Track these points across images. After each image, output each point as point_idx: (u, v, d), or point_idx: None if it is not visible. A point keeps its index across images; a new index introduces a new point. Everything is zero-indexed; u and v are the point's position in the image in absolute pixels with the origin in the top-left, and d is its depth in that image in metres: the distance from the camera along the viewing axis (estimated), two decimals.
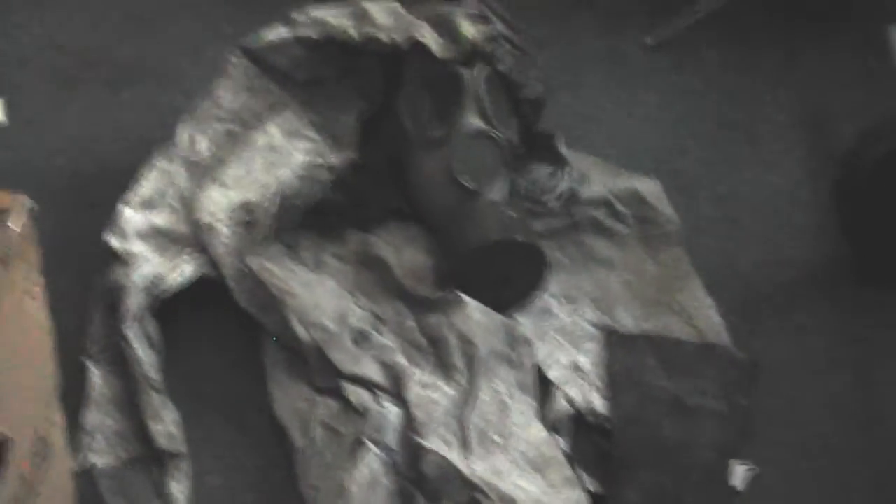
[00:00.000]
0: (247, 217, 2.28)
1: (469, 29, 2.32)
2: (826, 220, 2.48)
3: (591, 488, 2.04)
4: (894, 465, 2.13)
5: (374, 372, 2.12)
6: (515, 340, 2.19)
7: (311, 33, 2.37)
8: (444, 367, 2.13)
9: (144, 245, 2.24)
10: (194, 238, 2.27)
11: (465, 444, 2.03)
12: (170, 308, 2.19)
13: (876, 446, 2.15)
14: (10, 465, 1.30)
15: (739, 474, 2.07)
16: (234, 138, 2.38)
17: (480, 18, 2.35)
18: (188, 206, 2.31)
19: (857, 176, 2.33)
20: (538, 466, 2.03)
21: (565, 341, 2.25)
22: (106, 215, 2.28)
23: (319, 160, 2.34)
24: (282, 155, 2.36)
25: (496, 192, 2.30)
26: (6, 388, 1.29)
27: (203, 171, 2.35)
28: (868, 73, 2.75)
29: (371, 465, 1.99)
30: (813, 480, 2.10)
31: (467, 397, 2.09)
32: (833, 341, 2.31)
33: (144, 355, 2.11)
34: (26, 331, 1.33)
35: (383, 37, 2.32)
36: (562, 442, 2.10)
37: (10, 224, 1.27)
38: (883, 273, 2.39)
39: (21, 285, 1.31)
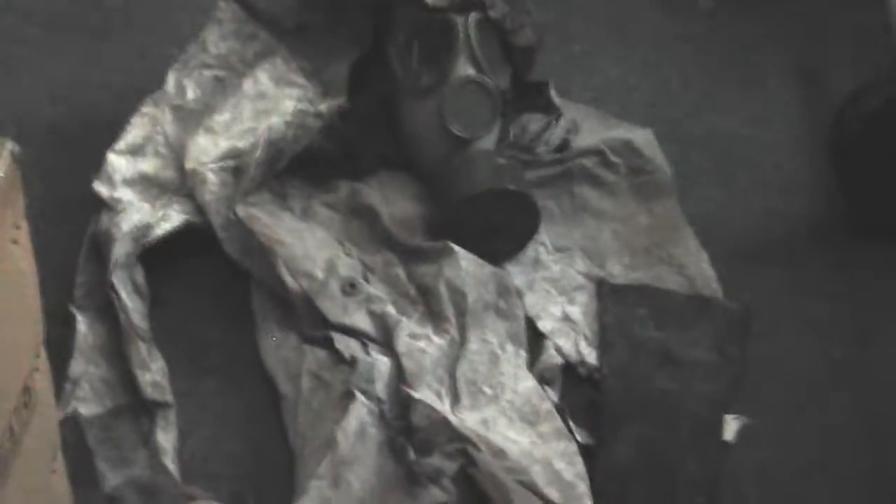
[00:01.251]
0: (235, 164, 2.26)
1: None
2: (821, 173, 2.47)
3: (581, 440, 2.03)
4: (888, 416, 2.12)
5: (363, 321, 2.11)
6: (506, 291, 2.18)
7: None
8: (433, 317, 2.12)
9: (131, 192, 2.22)
10: (182, 185, 2.26)
11: (454, 395, 2.02)
12: (157, 255, 2.17)
13: (869, 399, 2.15)
14: None
15: (730, 426, 2.07)
16: (223, 84, 2.37)
17: None
18: (175, 152, 2.29)
19: (852, 129, 2.33)
20: (528, 418, 2.02)
21: (556, 292, 2.24)
22: (92, 163, 2.26)
23: (309, 107, 2.32)
24: (270, 101, 2.34)
25: (488, 140, 2.28)
26: None
27: (191, 118, 2.33)
28: (863, 26, 2.73)
29: (360, 416, 1.97)
30: (805, 433, 2.09)
31: (457, 348, 2.08)
32: (827, 294, 2.30)
33: (131, 303, 2.09)
34: (11, 277, 1.30)
35: None
36: (552, 393, 2.09)
37: None
38: (877, 226, 2.38)
39: (6, 231, 1.29)
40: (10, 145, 1.27)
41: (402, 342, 2.06)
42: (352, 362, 2.04)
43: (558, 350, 2.15)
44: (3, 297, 1.29)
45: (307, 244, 2.18)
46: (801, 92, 2.67)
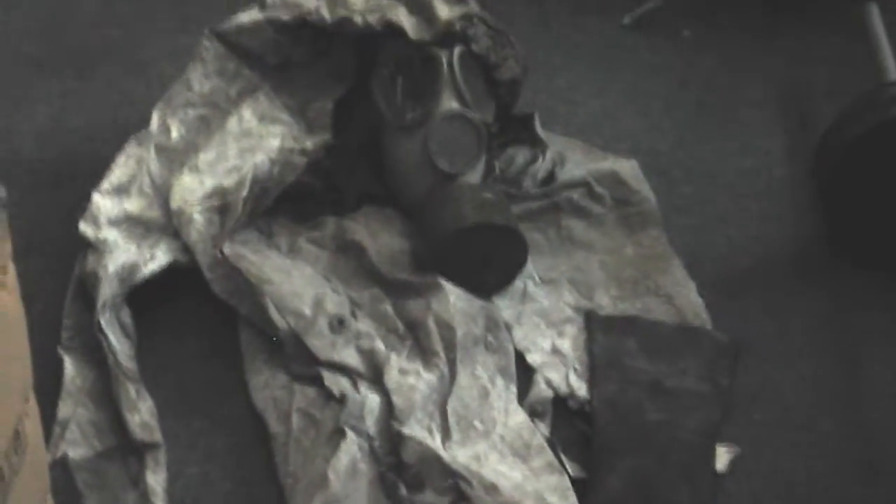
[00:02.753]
0: (220, 203, 2.25)
1: (444, 9, 2.30)
2: (804, 200, 2.48)
3: (574, 473, 2.03)
4: (874, 444, 2.12)
5: (352, 358, 2.10)
6: (495, 324, 2.18)
7: (284, 15, 2.35)
8: (422, 352, 2.12)
9: (117, 232, 2.22)
10: (167, 224, 2.25)
11: (445, 431, 2.01)
12: (144, 295, 2.16)
13: (856, 424, 2.15)
14: None
15: (722, 456, 2.06)
16: (207, 123, 2.37)
17: None
18: (161, 192, 2.28)
19: (834, 156, 2.33)
20: (519, 452, 2.02)
21: (545, 324, 2.24)
22: (76, 203, 2.26)
23: (294, 144, 2.32)
24: (255, 139, 2.34)
25: (474, 174, 2.29)
26: None
27: (175, 157, 2.33)
28: (846, 51, 2.75)
29: (351, 453, 1.97)
30: (794, 460, 2.09)
31: (447, 383, 2.07)
32: (812, 320, 2.30)
33: (119, 344, 2.08)
34: (0, 322, 1.30)
35: (356, 18, 2.30)
36: (543, 427, 2.08)
37: None
38: (861, 252, 2.39)
39: None
40: None
41: (392, 378, 2.06)
42: (341, 399, 2.04)
43: (548, 383, 2.14)
44: None
45: (294, 282, 2.18)
46: (782, 121, 2.68)
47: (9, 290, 1.32)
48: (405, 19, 2.29)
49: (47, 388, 1.97)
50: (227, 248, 2.18)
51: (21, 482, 1.39)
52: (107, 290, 2.12)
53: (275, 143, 2.32)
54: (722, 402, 2.14)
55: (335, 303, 2.18)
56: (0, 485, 1.33)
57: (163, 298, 2.20)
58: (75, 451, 2.00)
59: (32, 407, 1.43)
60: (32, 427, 1.42)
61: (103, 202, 2.25)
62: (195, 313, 2.22)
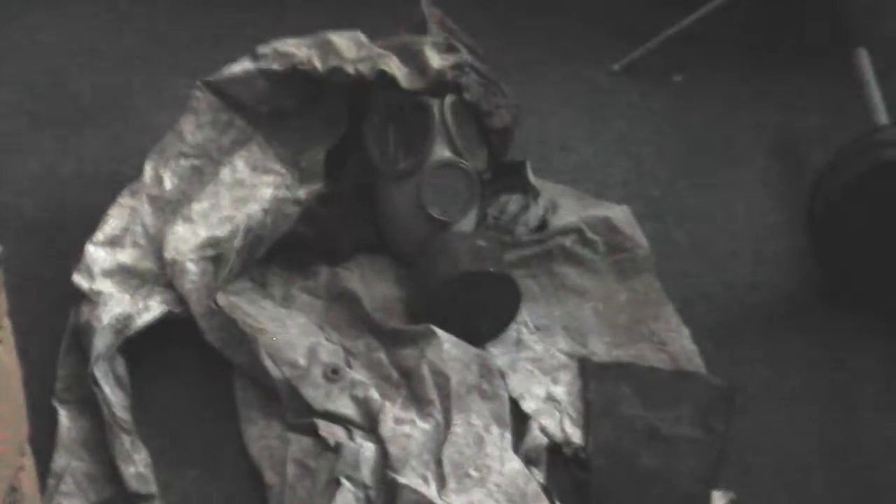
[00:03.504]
0: (214, 253, 2.26)
1: (435, 58, 2.31)
2: (797, 245, 2.48)
3: None
4: (869, 489, 2.12)
5: (347, 407, 2.10)
6: (489, 372, 2.17)
7: (276, 65, 2.36)
8: (417, 400, 2.11)
9: (111, 283, 2.22)
10: (161, 275, 2.25)
11: (441, 479, 2.01)
12: (138, 346, 2.16)
13: (851, 469, 2.15)
14: None
15: (717, 502, 2.06)
16: (200, 173, 2.37)
17: (447, 48, 2.34)
18: (154, 242, 2.29)
19: (828, 199, 2.33)
20: (515, 500, 2.01)
21: (539, 371, 2.24)
22: (70, 254, 2.26)
23: (286, 193, 2.33)
24: (248, 189, 2.34)
25: (466, 222, 2.30)
26: None
27: (168, 207, 2.33)
28: (836, 95, 2.76)
29: (347, 502, 1.96)
30: None
31: (442, 431, 2.07)
32: (807, 365, 2.30)
33: (113, 395, 2.08)
34: None
35: (348, 68, 2.31)
36: (538, 474, 2.08)
37: None
38: (854, 296, 2.39)
39: None
40: None
41: (387, 427, 2.05)
42: (337, 449, 2.03)
43: (543, 430, 2.14)
44: None
45: (289, 331, 2.18)
46: (775, 164, 2.69)
47: (5, 345, 1.32)
48: (397, 69, 2.30)
49: (41, 440, 1.96)
50: (222, 298, 2.18)
51: None
52: (101, 342, 2.11)
53: (268, 192, 2.33)
54: (717, 447, 2.13)
55: (329, 352, 2.17)
56: None
57: (157, 349, 2.19)
58: (70, 502, 1.99)
59: (28, 461, 1.43)
60: (29, 481, 1.42)
61: (97, 253, 2.25)
62: (189, 364, 2.21)
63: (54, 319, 2.22)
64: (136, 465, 2.02)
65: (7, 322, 1.33)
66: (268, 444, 2.08)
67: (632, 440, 2.12)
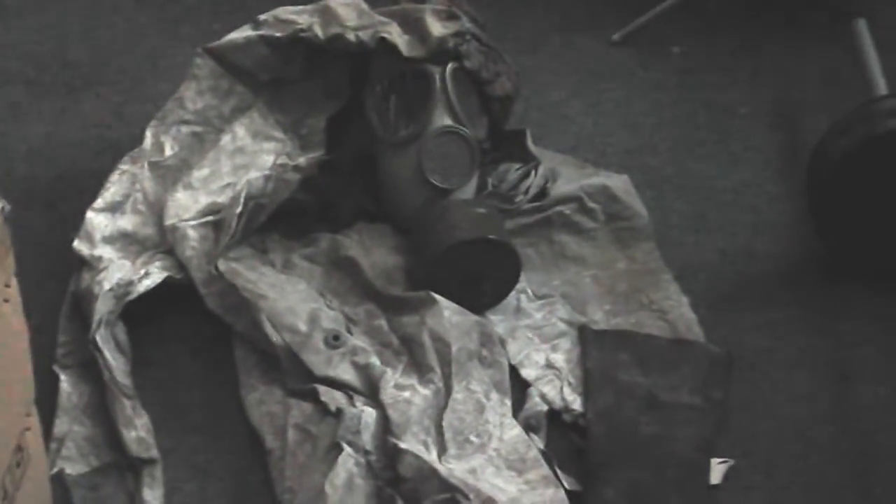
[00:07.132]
0: (214, 219, 2.26)
1: (436, 26, 2.31)
2: (796, 214, 2.49)
3: (569, 486, 2.03)
4: (868, 456, 2.13)
5: (347, 374, 2.10)
6: (489, 339, 2.18)
7: (277, 32, 2.36)
8: (418, 367, 2.12)
9: (112, 249, 2.22)
10: (161, 241, 2.26)
11: (441, 445, 2.01)
12: (139, 312, 2.16)
13: (850, 435, 2.15)
14: None
15: (716, 469, 2.07)
16: (201, 140, 2.37)
17: (448, 15, 2.34)
18: (155, 209, 2.29)
19: (826, 170, 2.34)
20: (515, 466, 2.02)
21: (538, 339, 2.24)
22: (70, 220, 2.26)
23: (287, 160, 2.33)
24: (249, 156, 2.35)
25: (467, 190, 2.30)
26: None
27: (169, 174, 2.34)
28: (835, 66, 2.76)
29: (347, 468, 1.97)
30: (789, 472, 2.09)
31: (443, 398, 2.07)
32: (805, 334, 2.31)
33: (114, 361, 2.08)
34: (2, 337, 1.30)
35: (349, 35, 2.31)
36: (538, 440, 2.09)
37: None
38: (853, 265, 2.39)
39: None
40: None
41: (388, 393, 2.06)
42: (338, 414, 2.04)
43: (543, 397, 2.15)
44: None
45: (289, 298, 2.18)
46: (774, 134, 2.69)
47: (12, 305, 1.32)
48: (398, 36, 2.30)
49: (43, 405, 1.96)
50: (222, 265, 2.19)
51: (24, 496, 1.39)
52: (102, 307, 2.12)
53: (268, 159, 2.33)
54: (716, 415, 2.14)
55: (330, 318, 2.18)
56: (3, 499, 1.34)
57: (157, 315, 2.20)
58: (72, 467, 2.00)
59: (35, 422, 1.44)
60: (35, 441, 1.43)
61: (97, 220, 2.26)
62: (190, 330, 2.22)
63: (55, 286, 2.23)
64: (138, 430, 2.03)
65: (15, 282, 1.33)
66: (268, 409, 2.09)
67: (631, 407, 2.13)
